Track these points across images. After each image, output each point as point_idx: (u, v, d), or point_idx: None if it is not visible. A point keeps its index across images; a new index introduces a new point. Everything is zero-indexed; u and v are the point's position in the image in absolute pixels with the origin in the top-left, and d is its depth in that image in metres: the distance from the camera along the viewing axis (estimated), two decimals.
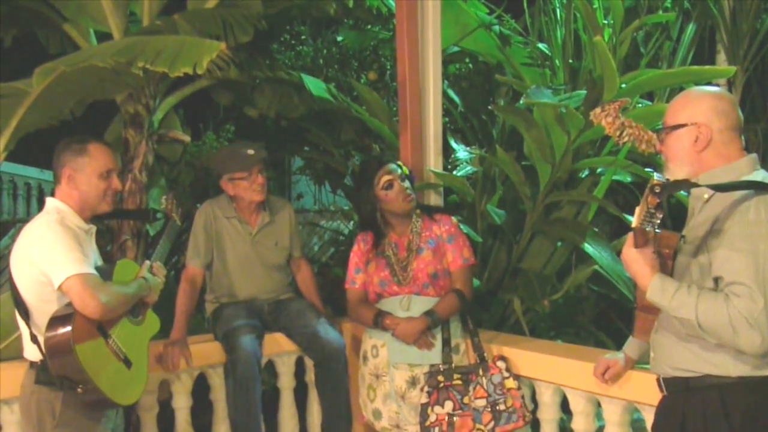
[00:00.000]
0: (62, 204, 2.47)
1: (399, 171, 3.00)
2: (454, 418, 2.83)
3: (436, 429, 2.83)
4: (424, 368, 2.92)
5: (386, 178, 2.96)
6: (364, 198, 3.02)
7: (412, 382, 2.93)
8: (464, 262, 3.03)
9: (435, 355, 2.92)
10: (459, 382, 2.87)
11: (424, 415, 2.85)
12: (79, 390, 2.27)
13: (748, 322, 1.75)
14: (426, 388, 2.87)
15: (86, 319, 2.31)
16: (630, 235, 1.95)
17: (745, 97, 5.09)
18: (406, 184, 2.99)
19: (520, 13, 4.90)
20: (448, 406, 2.84)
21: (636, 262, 1.93)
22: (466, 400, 2.85)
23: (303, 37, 6.14)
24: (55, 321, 2.30)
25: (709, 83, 4.31)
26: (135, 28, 4.13)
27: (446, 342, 2.94)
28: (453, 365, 2.91)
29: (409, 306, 2.94)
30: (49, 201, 2.50)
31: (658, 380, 2.08)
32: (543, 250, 3.78)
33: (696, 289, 1.86)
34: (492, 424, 2.83)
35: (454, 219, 3.11)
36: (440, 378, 2.87)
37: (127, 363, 2.46)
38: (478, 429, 2.83)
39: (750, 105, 5.19)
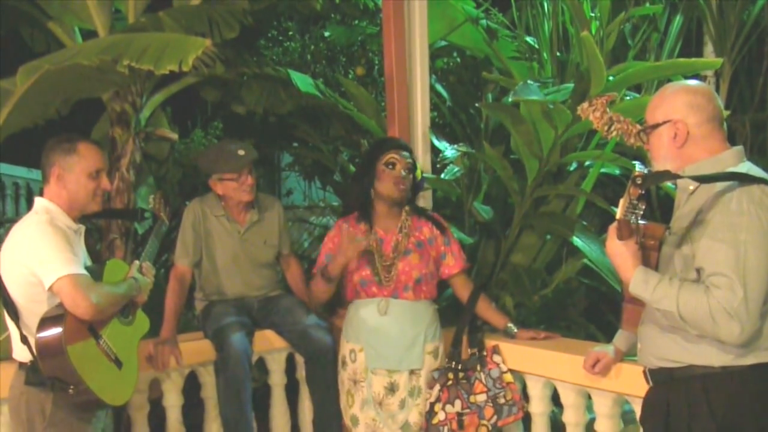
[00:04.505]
0: (51, 204, 2.46)
1: (409, 161, 2.95)
2: (463, 417, 2.84)
3: (445, 428, 2.84)
4: (402, 374, 2.90)
5: (393, 156, 2.92)
6: (366, 167, 2.99)
7: (391, 389, 2.91)
8: (465, 263, 3.05)
9: (414, 361, 2.91)
10: (464, 380, 2.88)
11: (431, 412, 2.86)
12: (70, 391, 2.27)
13: (727, 313, 1.78)
14: (437, 386, 2.87)
15: (77, 319, 2.30)
16: (613, 227, 1.96)
17: (733, 89, 5.11)
18: (410, 176, 2.95)
19: (507, 7, 4.90)
20: (458, 405, 2.85)
21: (619, 255, 1.95)
22: (472, 399, 2.86)
23: (290, 33, 6.12)
24: (46, 322, 2.29)
25: (696, 75, 4.34)
26: (120, 25, 4.10)
27: (457, 342, 2.95)
28: (458, 364, 2.91)
29: (387, 310, 2.91)
30: (38, 201, 2.49)
31: (644, 372, 2.11)
32: (532, 244, 3.78)
33: (677, 281, 1.88)
34: (495, 418, 2.85)
35: (444, 222, 3.11)
36: (450, 376, 2.88)
37: (118, 363, 2.46)
38: (483, 425, 2.85)
39: (738, 96, 5.21)
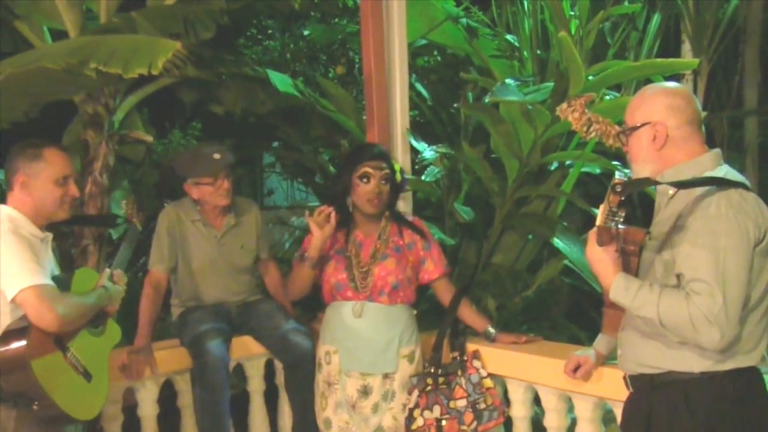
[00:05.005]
0: (15, 211, 2.38)
1: (385, 172, 2.89)
2: (443, 423, 2.81)
3: None
4: (376, 378, 2.87)
5: (367, 170, 2.86)
6: (341, 177, 2.95)
7: (364, 392, 2.87)
8: (446, 268, 3.02)
9: (388, 364, 2.88)
10: (444, 386, 2.85)
11: (410, 418, 2.83)
12: (34, 407, 2.19)
13: (707, 319, 1.77)
14: (416, 392, 2.84)
15: (42, 332, 2.23)
16: (593, 233, 1.94)
17: (710, 86, 5.13)
18: (386, 187, 2.90)
19: (488, 5, 4.87)
20: (437, 410, 2.82)
21: (599, 261, 1.93)
22: (452, 404, 2.83)
23: (270, 31, 6.06)
24: (9, 335, 2.22)
25: (675, 75, 4.34)
26: (92, 25, 4.00)
27: (438, 346, 2.91)
28: (438, 369, 2.87)
29: (362, 313, 2.88)
30: (1, 208, 2.40)
31: (624, 378, 2.10)
32: (513, 245, 3.75)
33: (658, 287, 1.87)
34: (475, 423, 2.82)
35: (425, 227, 3.07)
36: (429, 381, 2.84)
37: (87, 376, 2.40)
38: (463, 430, 2.81)
39: (715, 94, 5.24)
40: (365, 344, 2.87)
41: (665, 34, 4.93)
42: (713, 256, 1.78)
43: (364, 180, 2.86)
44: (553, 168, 3.88)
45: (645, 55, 4.64)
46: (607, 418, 2.76)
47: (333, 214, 2.84)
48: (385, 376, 2.88)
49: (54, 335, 2.28)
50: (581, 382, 2.52)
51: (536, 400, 2.92)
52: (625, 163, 3.41)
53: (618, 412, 2.46)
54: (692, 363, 1.88)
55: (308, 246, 2.93)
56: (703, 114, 2.09)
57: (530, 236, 3.75)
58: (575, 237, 3.43)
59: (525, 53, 4.45)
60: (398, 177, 2.99)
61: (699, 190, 1.86)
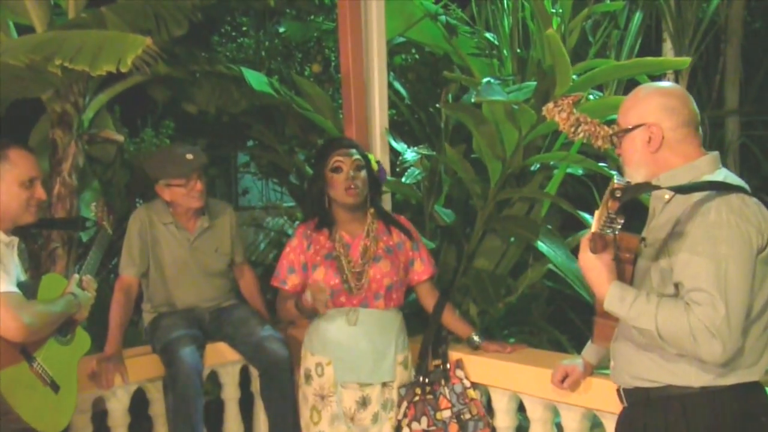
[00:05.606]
0: None
1: (356, 158, 2.79)
2: None
3: None
4: (374, 387, 2.79)
5: (337, 159, 2.77)
6: (315, 176, 2.86)
7: (363, 403, 2.79)
8: (434, 269, 2.96)
9: (386, 373, 2.80)
10: (431, 396, 2.79)
11: (399, 429, 2.79)
12: None
13: (709, 331, 1.68)
14: (404, 403, 2.77)
15: (7, 342, 2.13)
16: (586, 239, 1.85)
17: (691, 86, 5.11)
18: (361, 174, 2.80)
19: (467, 2, 4.81)
20: (424, 422, 2.76)
21: (593, 269, 1.84)
22: (438, 415, 2.77)
23: (244, 28, 5.95)
24: None
25: (663, 74, 4.30)
26: (61, 21, 3.87)
27: (425, 354, 2.85)
28: (425, 378, 2.82)
29: (357, 320, 2.78)
30: None
31: (618, 391, 2.00)
32: (495, 248, 3.67)
33: (655, 297, 1.78)
34: None
35: (412, 226, 3.00)
36: (417, 391, 2.78)
37: (55, 387, 2.31)
38: None
39: (696, 93, 5.22)
40: (362, 353, 2.77)
41: (646, 33, 4.90)
42: (714, 265, 1.70)
43: (337, 171, 2.77)
44: (535, 169, 3.82)
45: (626, 54, 4.59)
46: (594, 422, 2.71)
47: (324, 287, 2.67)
48: (384, 384, 2.81)
49: (19, 345, 2.19)
50: (568, 393, 2.46)
51: (521, 408, 2.86)
52: (610, 164, 3.36)
53: (606, 423, 2.41)
54: (691, 377, 1.80)
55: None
56: None
57: (513, 239, 3.68)
58: (559, 240, 3.36)
59: (504, 51, 4.38)
60: (374, 166, 2.91)
61: (697, 195, 1.78)
